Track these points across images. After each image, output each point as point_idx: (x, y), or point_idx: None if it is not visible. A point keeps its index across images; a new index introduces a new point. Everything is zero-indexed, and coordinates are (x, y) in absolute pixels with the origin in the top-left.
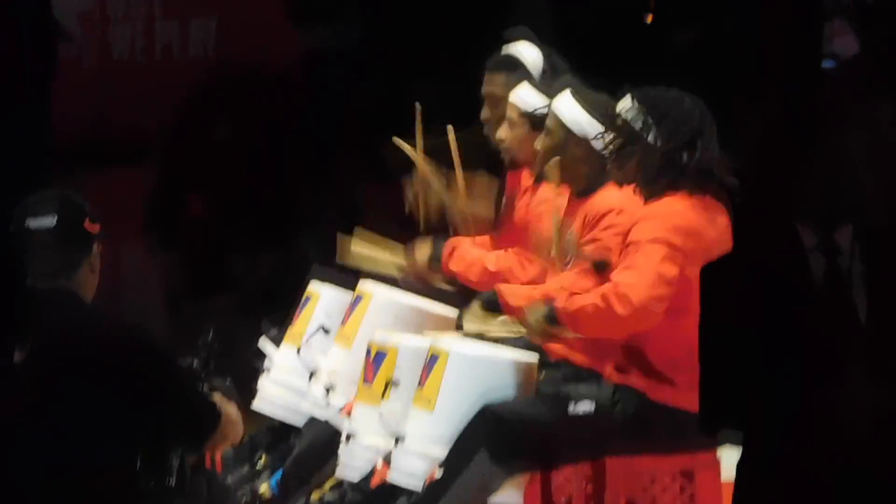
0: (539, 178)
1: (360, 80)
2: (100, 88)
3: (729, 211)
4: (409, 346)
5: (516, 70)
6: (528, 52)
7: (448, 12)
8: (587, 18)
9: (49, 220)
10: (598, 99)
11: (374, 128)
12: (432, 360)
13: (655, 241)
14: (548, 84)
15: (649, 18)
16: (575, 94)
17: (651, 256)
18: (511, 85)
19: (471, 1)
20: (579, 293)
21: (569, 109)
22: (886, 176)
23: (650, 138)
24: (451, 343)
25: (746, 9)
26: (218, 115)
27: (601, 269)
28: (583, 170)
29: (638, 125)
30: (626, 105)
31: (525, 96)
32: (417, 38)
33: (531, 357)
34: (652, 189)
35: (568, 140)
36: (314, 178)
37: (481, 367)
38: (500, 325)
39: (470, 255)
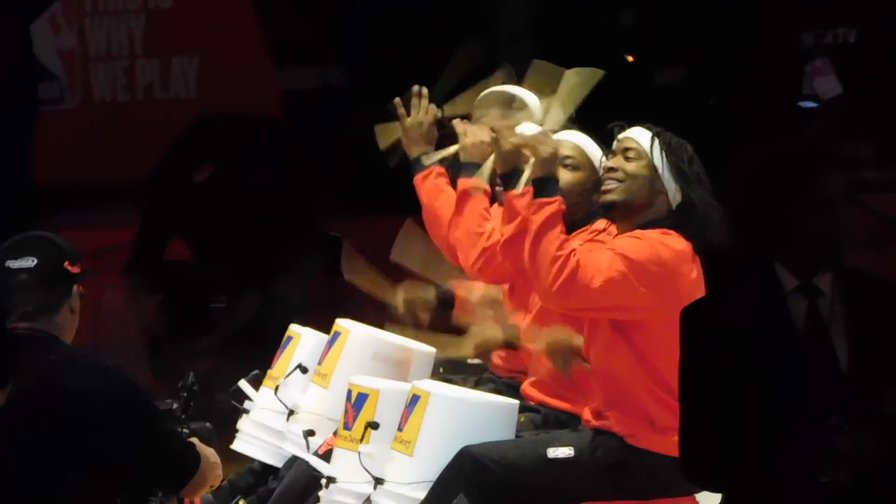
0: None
1: (342, 120)
2: (81, 128)
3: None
4: (391, 388)
5: (513, 107)
6: (527, 95)
7: (430, 52)
8: (569, 56)
9: (29, 262)
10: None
11: (357, 167)
12: (413, 400)
13: (624, 255)
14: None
15: (630, 58)
16: (579, 129)
17: (610, 255)
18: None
19: (451, 41)
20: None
21: (584, 142)
22: (865, 218)
23: (644, 173)
24: (432, 385)
25: (727, 50)
26: (200, 155)
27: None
28: (585, 203)
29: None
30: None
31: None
32: (400, 78)
33: (512, 400)
34: (632, 225)
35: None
36: (297, 219)
37: (462, 409)
38: (472, 347)
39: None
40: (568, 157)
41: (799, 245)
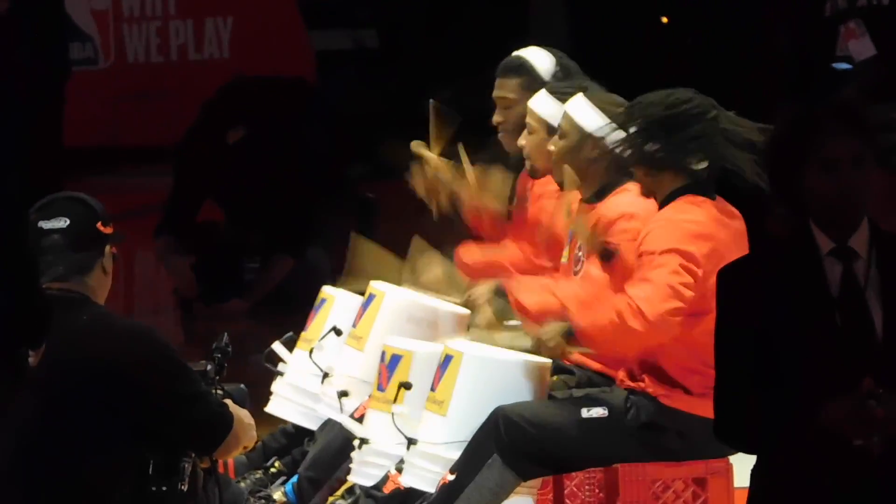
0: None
1: (374, 83)
2: (113, 90)
3: (742, 215)
4: (425, 350)
5: (527, 74)
6: (537, 57)
7: (463, 16)
8: (600, 22)
9: (61, 223)
10: (611, 99)
11: (388, 129)
12: (446, 361)
13: (669, 252)
14: (562, 88)
15: (664, 19)
16: (588, 95)
17: (665, 267)
18: (522, 88)
19: (485, 5)
20: (591, 302)
21: (581, 110)
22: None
23: (657, 141)
24: (465, 345)
25: (758, 12)
26: (232, 116)
27: (608, 258)
28: (595, 173)
29: (645, 127)
30: (635, 106)
31: (543, 103)
32: (432, 41)
33: (545, 360)
34: (662, 193)
35: (581, 141)
36: (329, 180)
37: (495, 369)
38: (507, 339)
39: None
40: (560, 127)
41: (827, 207)
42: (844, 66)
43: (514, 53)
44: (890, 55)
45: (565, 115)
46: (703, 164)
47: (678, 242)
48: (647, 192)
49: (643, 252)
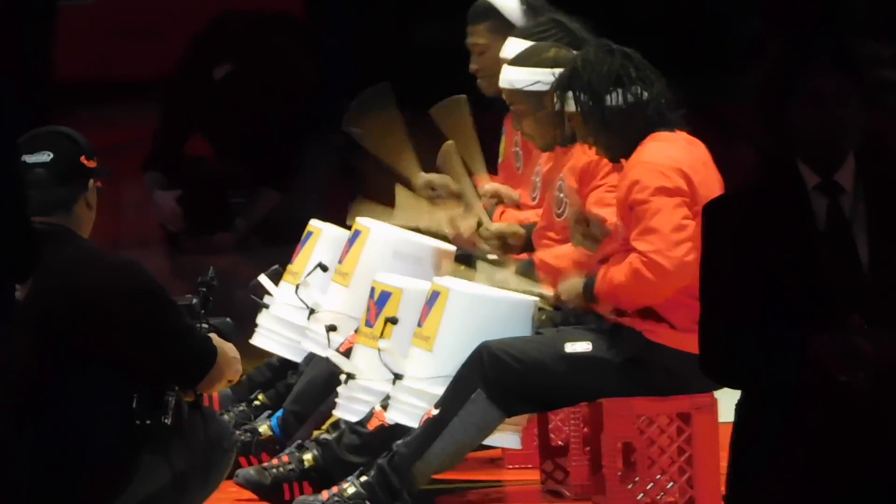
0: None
1: (362, 19)
2: (100, 25)
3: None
4: (415, 288)
5: (494, 17)
6: None
7: None
8: None
9: (45, 156)
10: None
11: (378, 68)
12: (433, 297)
13: (659, 193)
14: (532, 29)
15: None
16: (523, 53)
17: (664, 211)
18: (491, 32)
19: None
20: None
21: (516, 75)
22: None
23: (613, 99)
24: (451, 282)
25: None
26: (219, 52)
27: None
28: (553, 129)
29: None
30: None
31: (515, 50)
32: None
33: (531, 297)
34: (619, 148)
35: (530, 103)
36: (316, 118)
37: (481, 305)
38: (516, 281)
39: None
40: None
41: (812, 141)
42: None
43: None
44: None
45: (504, 88)
46: (646, 99)
47: (665, 180)
48: (609, 151)
49: (634, 202)
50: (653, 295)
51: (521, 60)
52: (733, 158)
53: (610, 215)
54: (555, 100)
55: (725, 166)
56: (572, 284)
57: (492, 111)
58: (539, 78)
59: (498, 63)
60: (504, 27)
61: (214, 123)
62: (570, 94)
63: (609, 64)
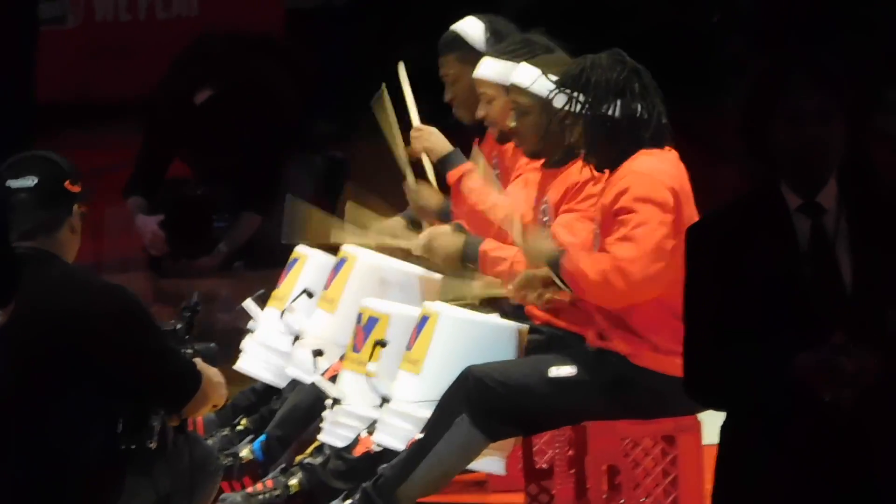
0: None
1: (344, 41)
2: (83, 48)
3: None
4: (402, 313)
5: (460, 47)
6: (469, 28)
7: None
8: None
9: (29, 181)
10: (555, 60)
11: (358, 89)
12: (423, 321)
13: (647, 203)
14: (504, 49)
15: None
16: (531, 62)
17: (647, 225)
18: (460, 62)
19: None
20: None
21: (529, 76)
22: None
23: (613, 105)
24: (441, 306)
25: None
26: (201, 74)
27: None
28: (557, 138)
29: (603, 94)
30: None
31: (490, 69)
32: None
33: (521, 324)
34: (608, 158)
35: (538, 109)
36: (298, 140)
37: (470, 330)
38: (480, 287)
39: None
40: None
41: (793, 161)
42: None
43: (450, 28)
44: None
45: (514, 88)
46: (646, 117)
47: (654, 193)
48: (597, 158)
49: (620, 209)
50: (613, 300)
51: (537, 63)
52: (715, 177)
53: (566, 237)
54: (554, 95)
55: (706, 185)
56: (541, 242)
57: (469, 136)
58: (549, 83)
59: (471, 92)
60: (473, 55)
61: (196, 146)
62: (573, 92)
63: (618, 73)
